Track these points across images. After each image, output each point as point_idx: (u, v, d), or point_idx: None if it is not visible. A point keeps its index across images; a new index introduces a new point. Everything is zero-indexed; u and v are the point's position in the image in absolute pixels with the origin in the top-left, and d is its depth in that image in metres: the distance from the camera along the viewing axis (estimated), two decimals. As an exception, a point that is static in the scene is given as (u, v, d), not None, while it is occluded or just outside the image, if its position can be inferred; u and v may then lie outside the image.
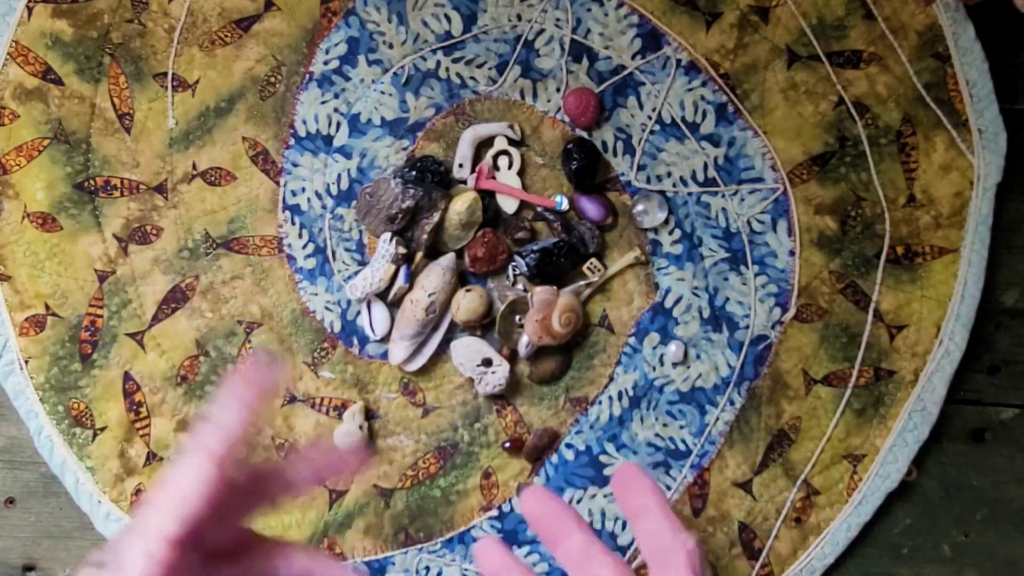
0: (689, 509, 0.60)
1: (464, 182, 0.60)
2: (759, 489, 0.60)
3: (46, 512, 0.62)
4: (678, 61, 0.60)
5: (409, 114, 0.60)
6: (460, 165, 0.60)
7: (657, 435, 0.60)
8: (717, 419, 0.60)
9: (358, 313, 0.61)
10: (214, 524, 0.36)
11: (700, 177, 0.60)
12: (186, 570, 0.35)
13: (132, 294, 0.60)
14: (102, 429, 0.60)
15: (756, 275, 0.60)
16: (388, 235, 0.58)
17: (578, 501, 0.60)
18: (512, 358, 0.60)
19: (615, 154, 0.60)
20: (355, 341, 0.61)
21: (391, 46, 0.60)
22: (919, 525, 0.61)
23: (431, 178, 0.59)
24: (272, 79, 0.60)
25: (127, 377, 0.60)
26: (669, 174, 0.60)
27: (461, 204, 0.58)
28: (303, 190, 0.61)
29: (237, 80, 0.60)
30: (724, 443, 0.60)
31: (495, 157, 0.60)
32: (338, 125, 0.60)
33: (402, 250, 0.59)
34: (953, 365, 0.59)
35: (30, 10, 0.60)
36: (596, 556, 0.36)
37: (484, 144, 0.60)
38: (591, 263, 0.60)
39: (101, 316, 0.60)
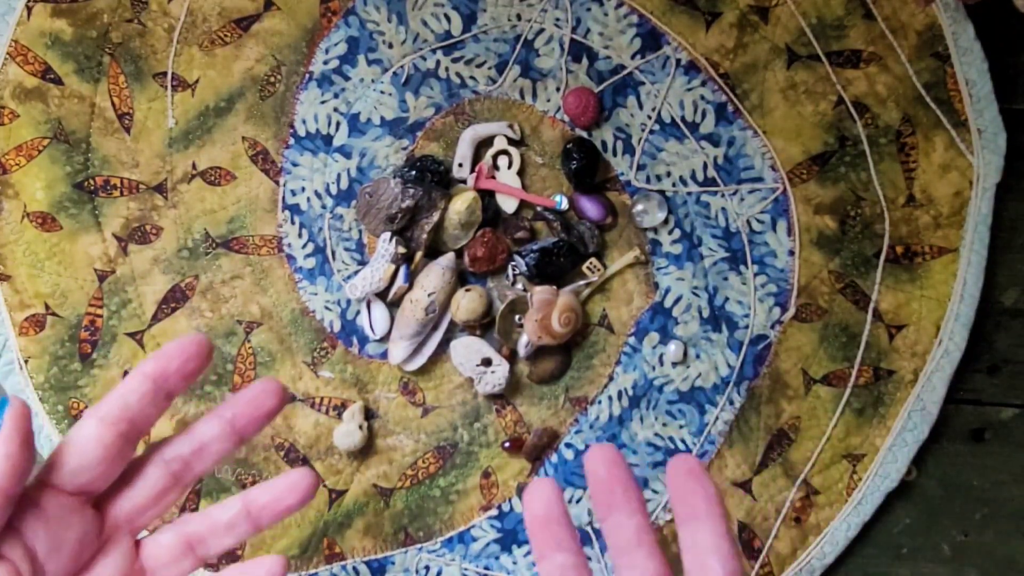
0: (689, 509, 0.60)
1: (464, 182, 0.60)
2: (759, 489, 0.60)
3: (46, 512, 0.62)
4: (678, 61, 0.60)
5: (409, 114, 0.60)
6: (460, 165, 0.60)
7: (656, 435, 0.60)
8: (716, 419, 0.60)
9: (358, 313, 0.61)
10: (131, 502, 0.39)
11: (700, 177, 0.60)
12: (78, 520, 0.37)
13: (132, 294, 0.60)
14: (102, 429, 0.60)
15: (756, 275, 0.60)
16: (388, 235, 0.58)
17: (577, 501, 0.60)
18: (512, 358, 0.60)
19: (615, 154, 0.60)
20: (355, 341, 0.61)
21: (391, 46, 0.60)
22: (919, 525, 0.61)
23: (431, 178, 0.59)
24: (272, 79, 0.60)
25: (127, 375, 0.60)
26: (669, 174, 0.60)
27: (461, 204, 0.58)
28: (303, 190, 0.61)
29: (237, 80, 0.60)
30: (723, 443, 0.60)
31: (495, 157, 0.60)
32: (338, 125, 0.61)
33: (402, 250, 0.59)
34: (953, 365, 0.60)
35: (29, 10, 0.60)
36: (646, 546, 0.34)
37: (484, 144, 0.60)
38: (591, 263, 0.60)
39: (101, 316, 0.60)
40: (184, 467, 0.39)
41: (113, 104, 0.60)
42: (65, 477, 0.37)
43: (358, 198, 0.60)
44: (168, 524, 0.40)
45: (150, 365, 0.38)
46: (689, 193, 0.60)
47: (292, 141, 0.61)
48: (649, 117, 0.60)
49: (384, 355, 0.60)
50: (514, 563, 0.60)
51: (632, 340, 0.60)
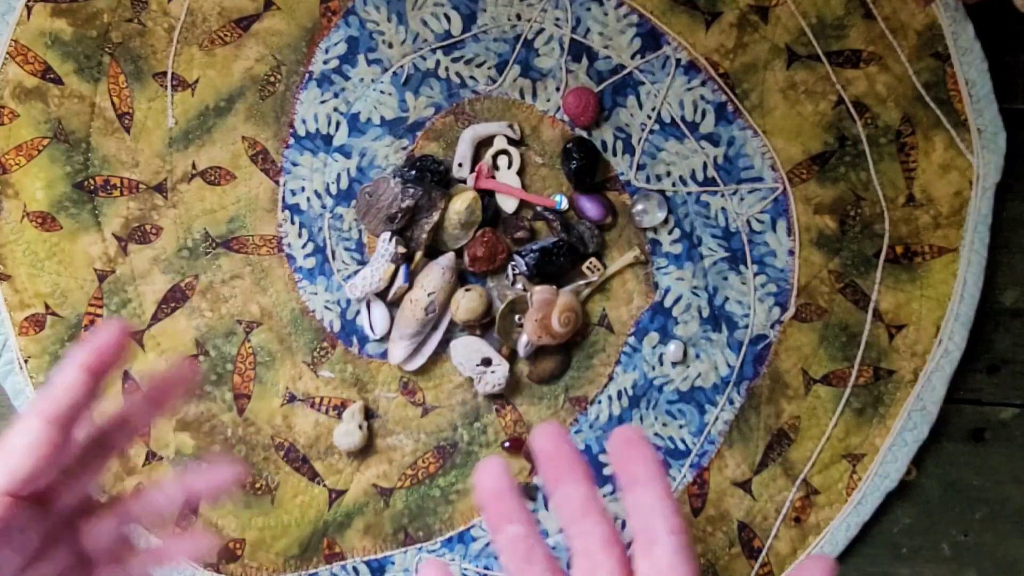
0: (688, 508, 0.60)
1: (464, 181, 0.60)
2: (758, 488, 0.60)
3: (45, 511, 0.62)
4: (677, 60, 0.60)
5: (409, 114, 0.60)
6: (460, 164, 0.60)
7: (656, 434, 0.60)
8: (716, 418, 0.60)
9: (357, 312, 0.61)
10: (62, 482, 0.38)
11: (699, 176, 0.60)
12: (25, 523, 0.37)
13: (132, 293, 0.60)
14: (101, 428, 0.60)
15: (755, 274, 0.60)
16: (388, 234, 0.58)
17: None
18: (511, 357, 0.60)
19: (614, 153, 0.60)
20: (355, 340, 0.61)
21: (391, 46, 0.60)
22: (918, 524, 0.61)
23: (431, 177, 0.59)
24: (272, 78, 0.60)
25: (126, 376, 0.60)
26: (668, 173, 0.60)
27: (460, 203, 0.58)
28: (303, 189, 0.61)
29: (237, 80, 0.60)
30: (723, 442, 0.60)
31: (495, 156, 0.60)
32: (338, 124, 0.61)
33: (402, 249, 0.59)
34: (952, 365, 0.60)
35: (29, 9, 0.60)
36: (593, 514, 0.35)
37: (484, 143, 0.60)
38: (590, 262, 0.60)
39: (101, 315, 0.60)
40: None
41: (113, 104, 0.60)
42: (24, 484, 0.36)
43: (358, 198, 0.60)
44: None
45: (82, 356, 0.38)
46: (689, 193, 0.60)
47: (292, 141, 0.61)
48: (649, 117, 0.60)
49: (384, 355, 0.60)
50: (514, 563, 0.60)
51: (632, 340, 0.60)
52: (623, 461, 0.35)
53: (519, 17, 0.60)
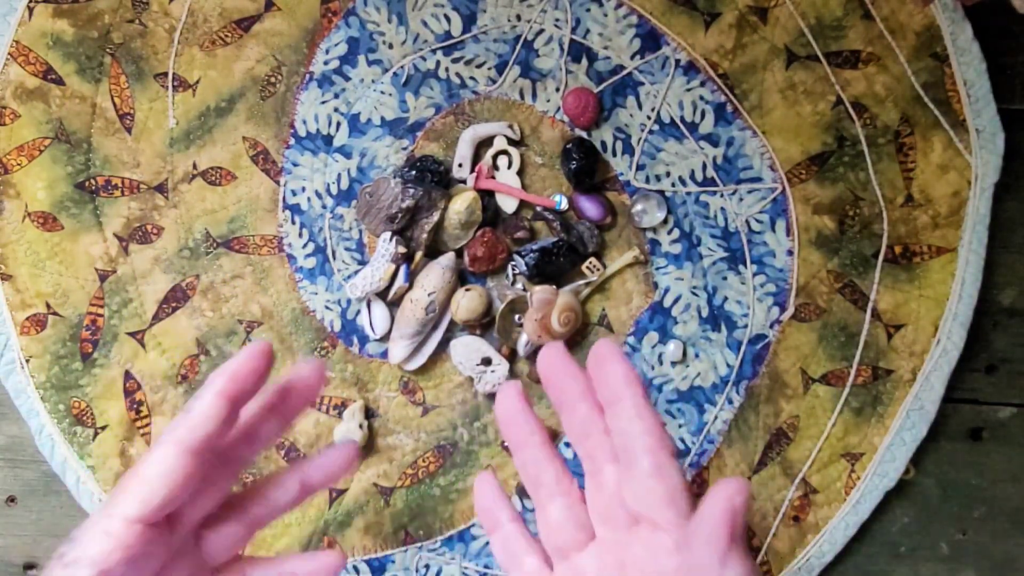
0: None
1: (464, 182, 0.60)
2: (757, 488, 0.60)
3: (47, 511, 0.62)
4: (677, 61, 0.60)
5: (409, 114, 0.61)
6: (460, 165, 0.60)
7: (656, 434, 0.60)
8: (715, 418, 0.60)
9: (358, 312, 0.61)
10: (189, 503, 0.38)
11: (699, 177, 0.60)
12: (158, 547, 0.36)
13: (133, 293, 0.61)
14: (103, 428, 0.60)
15: (754, 274, 0.60)
16: (388, 234, 0.59)
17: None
18: (511, 357, 0.60)
19: (614, 154, 0.60)
20: (355, 340, 0.61)
21: (391, 46, 0.60)
22: (917, 523, 0.62)
23: (431, 178, 0.59)
24: (272, 79, 0.61)
25: (128, 376, 0.60)
26: (668, 174, 0.60)
27: (461, 204, 0.59)
28: (303, 190, 0.61)
29: (237, 80, 0.61)
30: (722, 442, 0.60)
31: (495, 157, 0.60)
32: (338, 125, 0.61)
33: (402, 249, 0.59)
34: (951, 364, 0.60)
35: (31, 10, 0.60)
36: (595, 434, 0.36)
37: (484, 144, 0.60)
38: (590, 262, 0.60)
39: (102, 315, 0.61)
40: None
41: (114, 104, 0.61)
42: (156, 512, 0.36)
43: (358, 198, 0.60)
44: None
45: (222, 383, 0.38)
46: (688, 193, 0.60)
47: (292, 141, 0.61)
48: (648, 117, 0.60)
49: (384, 354, 0.61)
50: (514, 562, 0.60)
51: (631, 339, 0.61)
52: (599, 381, 0.36)
53: (519, 18, 0.60)
